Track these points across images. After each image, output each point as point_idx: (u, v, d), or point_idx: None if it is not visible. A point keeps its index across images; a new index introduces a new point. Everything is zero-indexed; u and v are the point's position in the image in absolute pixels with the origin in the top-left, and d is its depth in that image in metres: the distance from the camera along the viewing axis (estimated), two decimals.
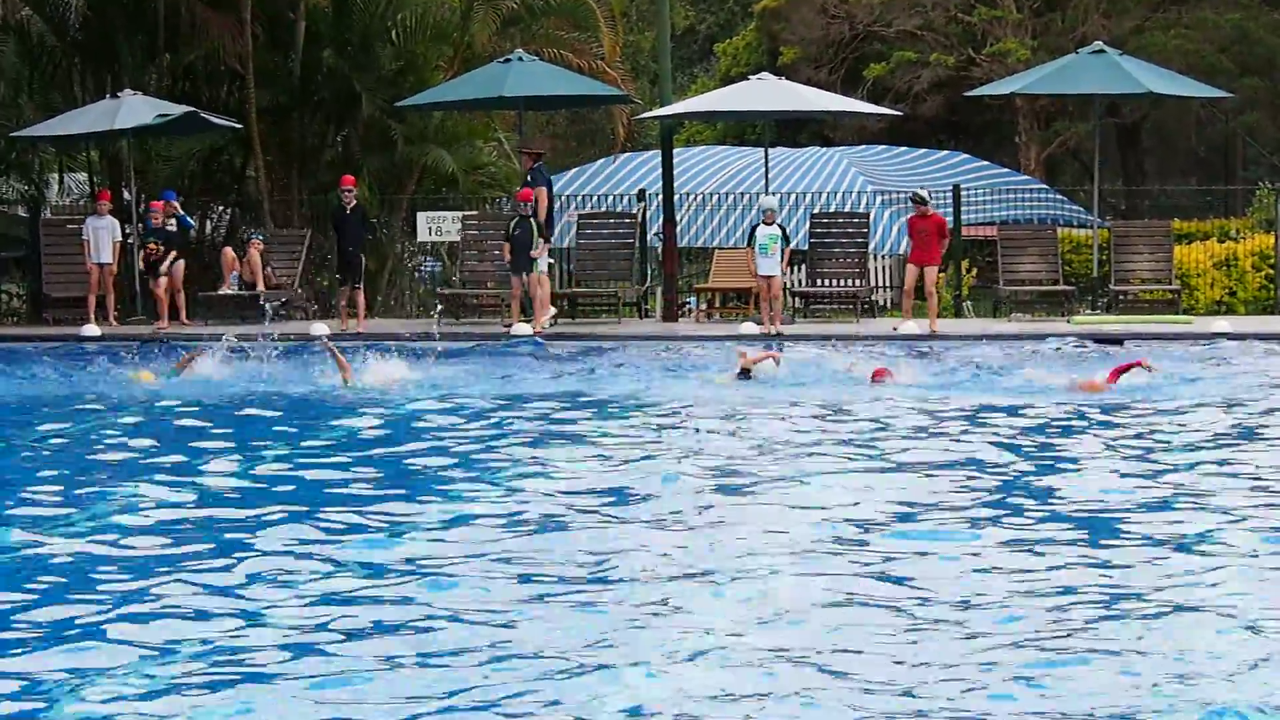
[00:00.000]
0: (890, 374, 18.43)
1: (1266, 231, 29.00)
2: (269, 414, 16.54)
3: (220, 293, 27.23)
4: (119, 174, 29.62)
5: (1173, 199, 39.32)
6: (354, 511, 10.94)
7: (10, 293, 31.14)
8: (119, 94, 27.69)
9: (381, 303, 29.61)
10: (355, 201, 26.00)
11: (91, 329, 25.38)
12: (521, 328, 24.79)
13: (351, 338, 23.75)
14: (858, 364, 19.19)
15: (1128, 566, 9.22)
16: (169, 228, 26.91)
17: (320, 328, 25.18)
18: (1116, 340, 22.96)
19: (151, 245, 26.37)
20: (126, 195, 28.30)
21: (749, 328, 24.74)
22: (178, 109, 27.38)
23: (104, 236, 26.31)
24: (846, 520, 10.49)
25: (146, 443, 14.45)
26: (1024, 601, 8.44)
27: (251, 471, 12.81)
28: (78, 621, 8.20)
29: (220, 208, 32.25)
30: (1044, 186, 36.75)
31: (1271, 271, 27.81)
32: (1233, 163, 48.28)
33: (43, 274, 27.91)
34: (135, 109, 26.97)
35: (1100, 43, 28.02)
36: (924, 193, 25.77)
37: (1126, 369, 17.77)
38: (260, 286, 26.88)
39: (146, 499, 11.51)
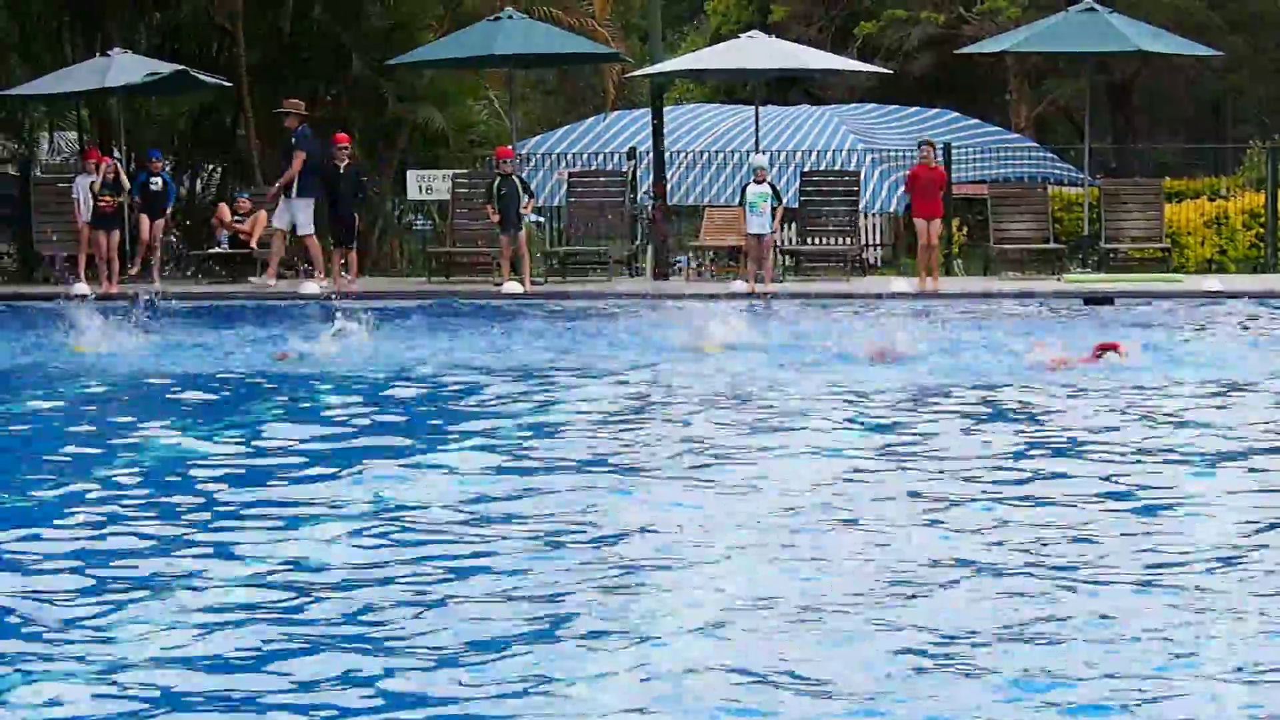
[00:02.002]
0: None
1: (1257, 190, 29.05)
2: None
3: (210, 251, 27.26)
4: (109, 133, 29.55)
5: (1164, 157, 39.31)
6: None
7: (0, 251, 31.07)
8: (109, 52, 27.63)
9: (373, 261, 29.59)
10: (349, 160, 25.84)
11: (82, 288, 25.30)
12: (512, 286, 24.81)
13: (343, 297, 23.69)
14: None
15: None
16: (153, 186, 26.80)
17: (310, 287, 25.17)
18: (1107, 299, 22.98)
19: (106, 199, 25.95)
20: (117, 154, 28.22)
21: (739, 286, 24.77)
22: (168, 67, 27.33)
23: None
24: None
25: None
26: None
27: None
28: None
29: (210, 166, 32.19)
30: (1035, 145, 36.78)
31: (1262, 230, 27.88)
32: (1224, 121, 48.28)
33: (33, 232, 27.89)
34: (125, 67, 26.93)
35: (1091, 0, 27.99)
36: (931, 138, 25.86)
37: (1109, 349, 16.00)
38: (254, 242, 26.99)
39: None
